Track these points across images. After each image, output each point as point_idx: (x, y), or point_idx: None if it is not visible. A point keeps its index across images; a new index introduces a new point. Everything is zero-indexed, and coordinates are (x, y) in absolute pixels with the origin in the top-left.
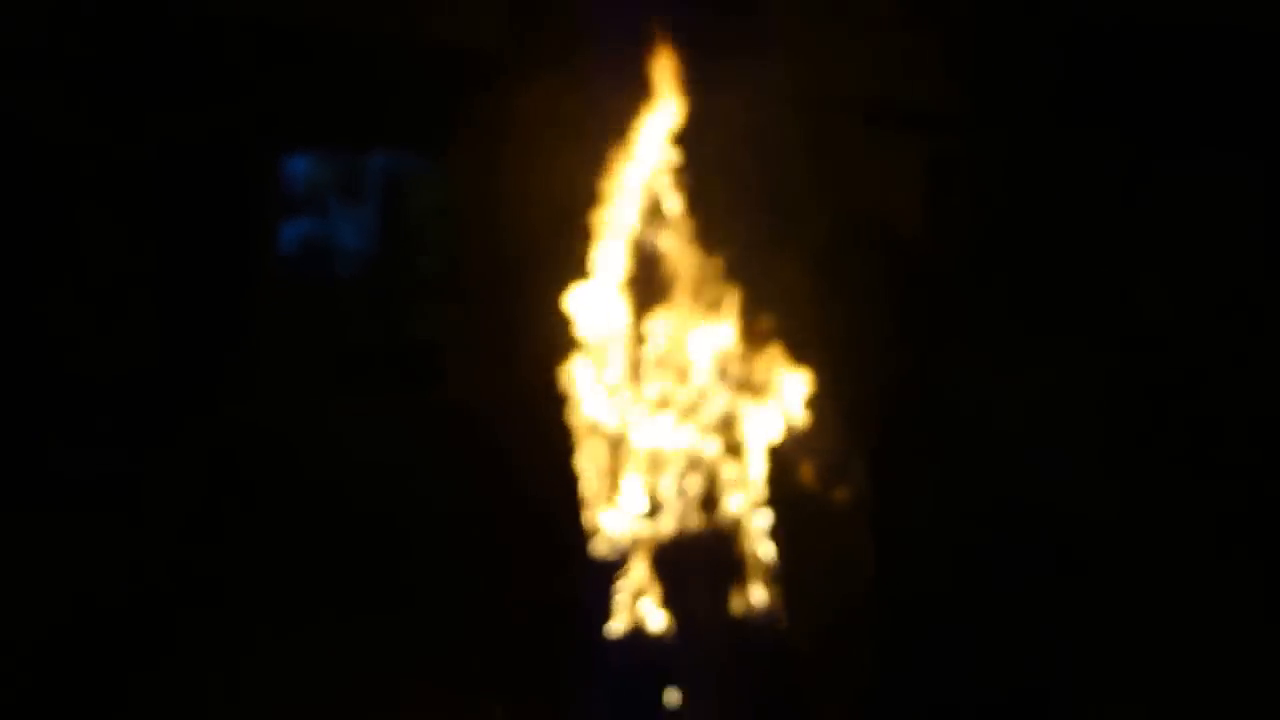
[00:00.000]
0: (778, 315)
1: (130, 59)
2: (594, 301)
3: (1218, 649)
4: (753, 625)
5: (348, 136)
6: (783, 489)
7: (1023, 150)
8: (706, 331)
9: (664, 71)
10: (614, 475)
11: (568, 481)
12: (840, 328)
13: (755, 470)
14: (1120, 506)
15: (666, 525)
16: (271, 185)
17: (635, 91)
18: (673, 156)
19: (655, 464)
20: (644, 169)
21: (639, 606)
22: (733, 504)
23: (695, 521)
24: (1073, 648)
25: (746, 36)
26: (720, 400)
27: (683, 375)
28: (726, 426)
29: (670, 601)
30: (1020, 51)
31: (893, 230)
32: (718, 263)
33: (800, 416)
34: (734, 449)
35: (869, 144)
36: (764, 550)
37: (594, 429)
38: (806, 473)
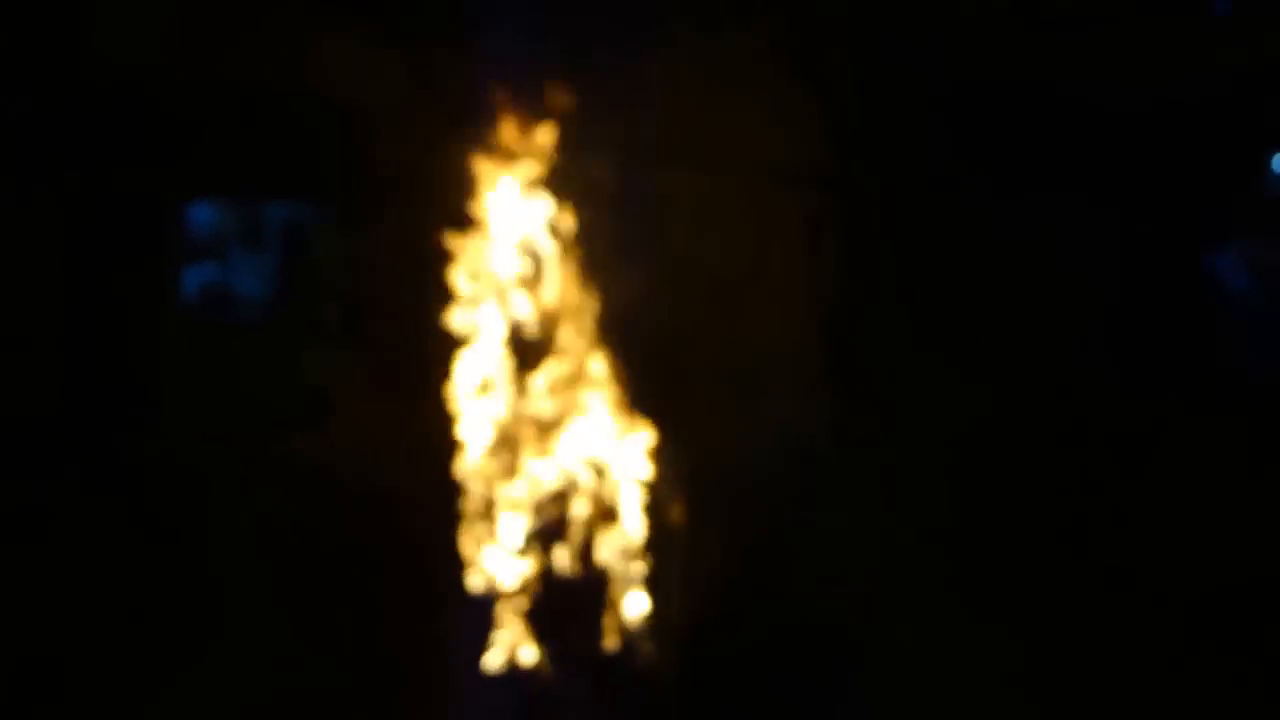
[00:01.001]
0: (650, 363)
1: (32, 108)
2: (478, 350)
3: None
4: (625, 663)
5: (249, 186)
6: (654, 529)
7: (897, 207)
8: (581, 379)
9: (547, 130)
10: (492, 514)
11: (448, 521)
12: (707, 376)
13: (628, 510)
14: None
15: (542, 564)
16: (174, 232)
17: (520, 148)
18: (557, 213)
19: (531, 504)
20: (528, 225)
21: (514, 643)
22: (606, 543)
23: (569, 560)
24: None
25: (627, 97)
26: (594, 443)
27: (559, 419)
28: (600, 469)
29: (545, 639)
30: (895, 111)
31: (765, 284)
32: (594, 315)
33: (668, 461)
34: (607, 490)
35: (745, 202)
36: (636, 589)
37: (474, 470)
38: (677, 514)
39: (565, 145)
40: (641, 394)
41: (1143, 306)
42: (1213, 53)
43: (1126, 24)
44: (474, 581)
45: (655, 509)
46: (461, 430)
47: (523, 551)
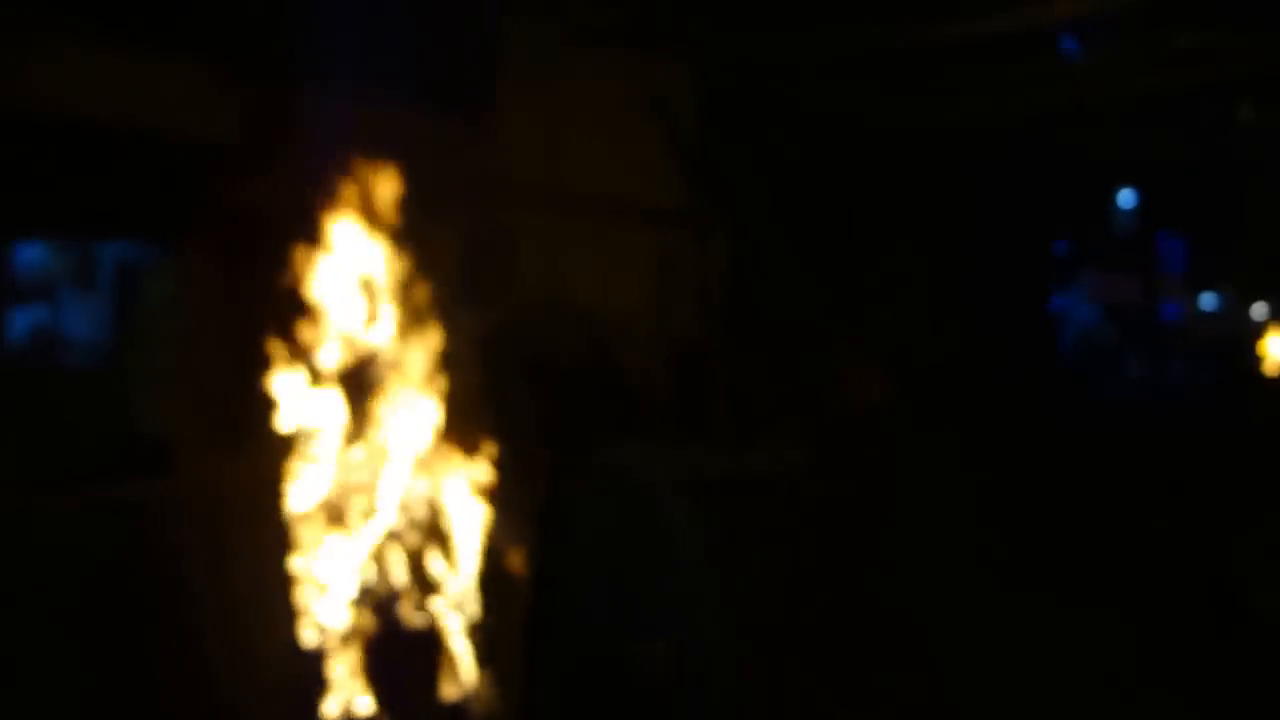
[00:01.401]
0: (484, 409)
1: None
2: (311, 394)
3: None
4: (459, 709)
5: (80, 226)
6: (487, 576)
7: (745, 242)
8: (415, 424)
9: (390, 170)
10: (326, 563)
11: (283, 569)
12: (548, 418)
13: (462, 557)
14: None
15: (376, 612)
16: (2, 272)
17: (358, 189)
18: (400, 253)
19: (365, 552)
20: (365, 264)
21: (349, 691)
22: (439, 591)
23: (403, 609)
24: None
25: (474, 137)
26: (428, 491)
27: (392, 466)
28: (434, 517)
29: (379, 686)
30: (742, 154)
31: (613, 318)
32: (428, 357)
33: (502, 504)
34: (440, 538)
35: (599, 238)
36: (469, 636)
37: (308, 517)
38: (512, 560)
39: (410, 185)
40: (484, 434)
41: (990, 333)
42: (1062, 93)
43: (979, 64)
44: (308, 631)
45: (493, 553)
46: (297, 475)
47: (358, 600)
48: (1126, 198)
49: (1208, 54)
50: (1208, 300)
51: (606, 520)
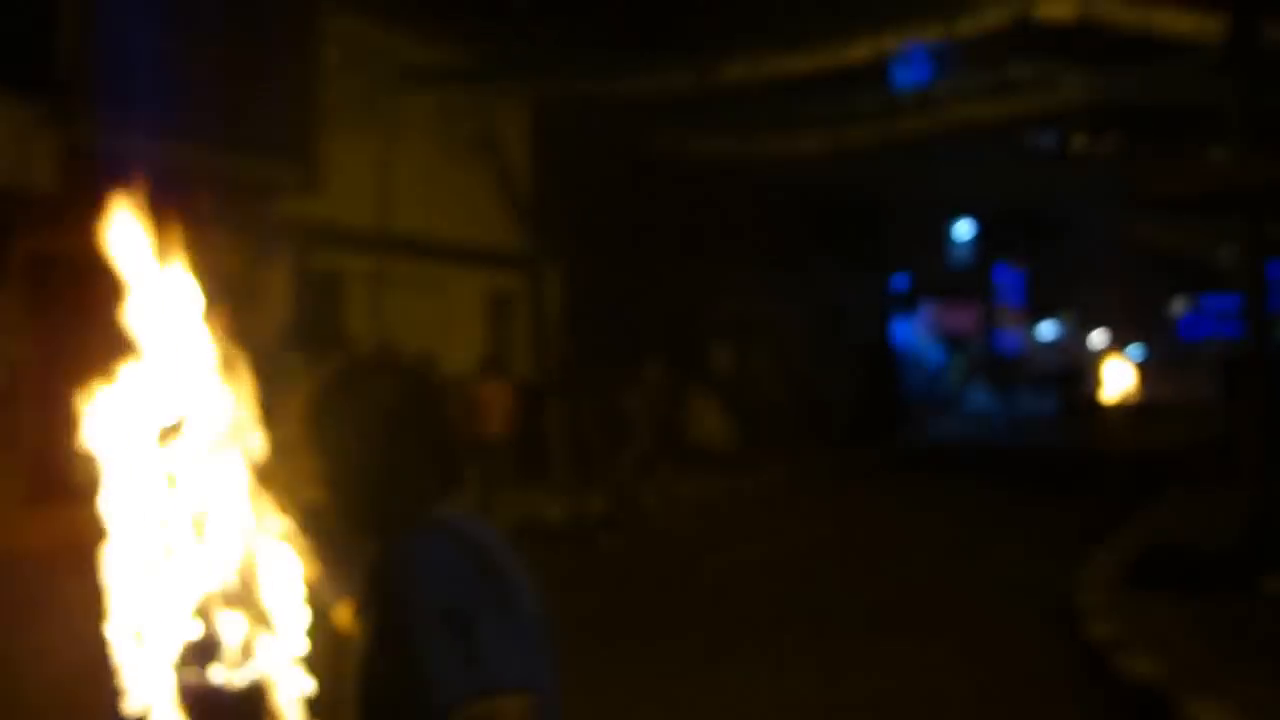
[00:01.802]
0: (302, 458)
1: None
2: (128, 447)
3: None
4: None
5: None
6: (316, 633)
7: (582, 283)
8: (237, 478)
9: (210, 215)
10: (146, 623)
11: (99, 630)
12: (383, 472)
13: (286, 616)
14: None
15: (199, 674)
16: None
17: (177, 235)
18: (215, 300)
19: (185, 614)
20: (185, 312)
21: None
22: (264, 651)
23: (228, 669)
24: None
25: (298, 181)
26: (250, 548)
27: (213, 520)
28: (255, 574)
29: None
30: (578, 194)
31: (452, 364)
32: (245, 408)
33: (327, 560)
34: (263, 597)
35: (429, 282)
36: (297, 696)
37: (125, 577)
38: (340, 618)
39: (232, 230)
40: (308, 489)
41: (831, 367)
42: (895, 125)
43: (813, 100)
44: (127, 693)
45: (319, 610)
46: (112, 533)
47: (179, 664)
48: (964, 229)
49: (1042, 86)
50: (1047, 329)
51: (444, 575)
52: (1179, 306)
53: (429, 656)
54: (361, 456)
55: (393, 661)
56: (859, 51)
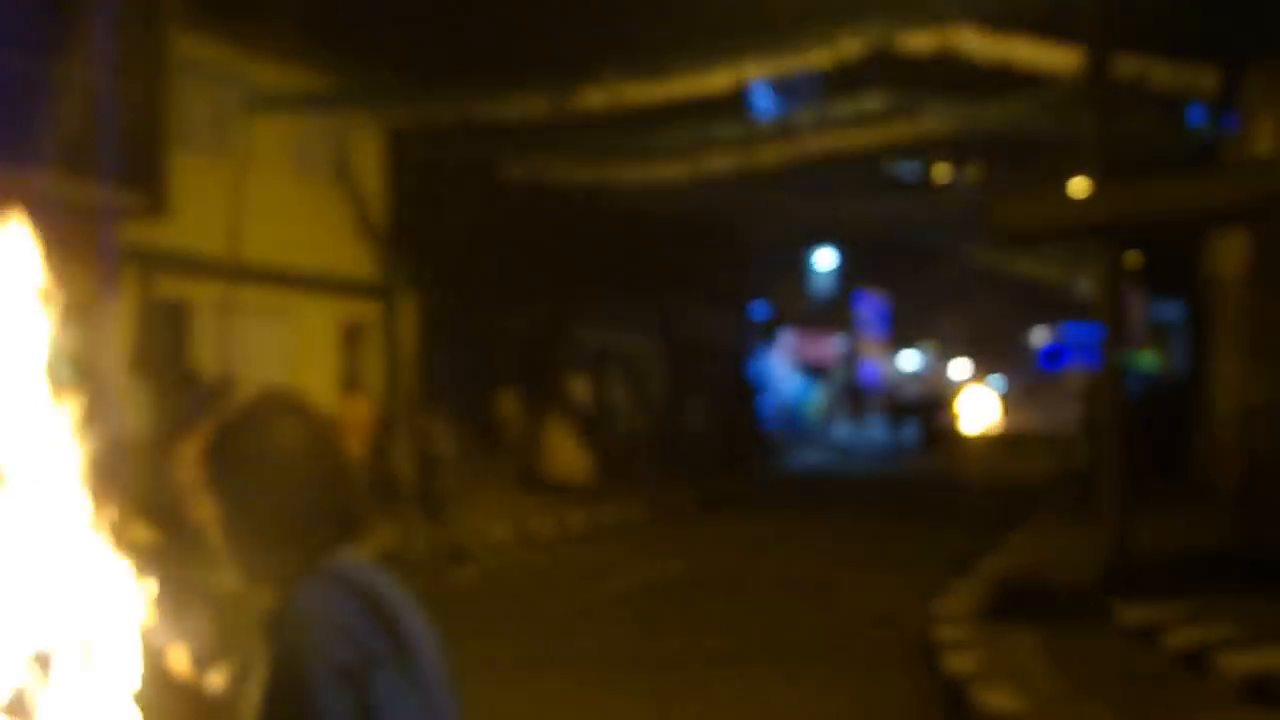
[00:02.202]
0: (199, 502)
1: None
2: None
3: None
4: None
5: None
6: (148, 678)
7: (438, 313)
8: (63, 518)
9: (46, 241)
10: None
11: None
12: (269, 513)
13: (119, 661)
14: None
15: None
16: None
17: (13, 266)
18: (55, 330)
19: (17, 665)
20: (21, 343)
21: None
22: (94, 697)
23: (59, 715)
24: None
25: (144, 207)
26: (80, 590)
27: (47, 562)
28: (85, 618)
29: None
30: (435, 222)
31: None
32: (95, 444)
33: (163, 601)
34: (102, 646)
35: (281, 311)
36: None
37: None
38: (175, 662)
39: (71, 257)
40: (138, 529)
41: (691, 400)
42: (755, 154)
43: (671, 128)
44: None
45: (152, 660)
46: None
47: (7, 712)
48: (825, 259)
49: (902, 116)
50: (908, 359)
51: (337, 627)
52: (1040, 336)
53: (322, 712)
54: (260, 503)
55: (286, 717)
56: (719, 80)
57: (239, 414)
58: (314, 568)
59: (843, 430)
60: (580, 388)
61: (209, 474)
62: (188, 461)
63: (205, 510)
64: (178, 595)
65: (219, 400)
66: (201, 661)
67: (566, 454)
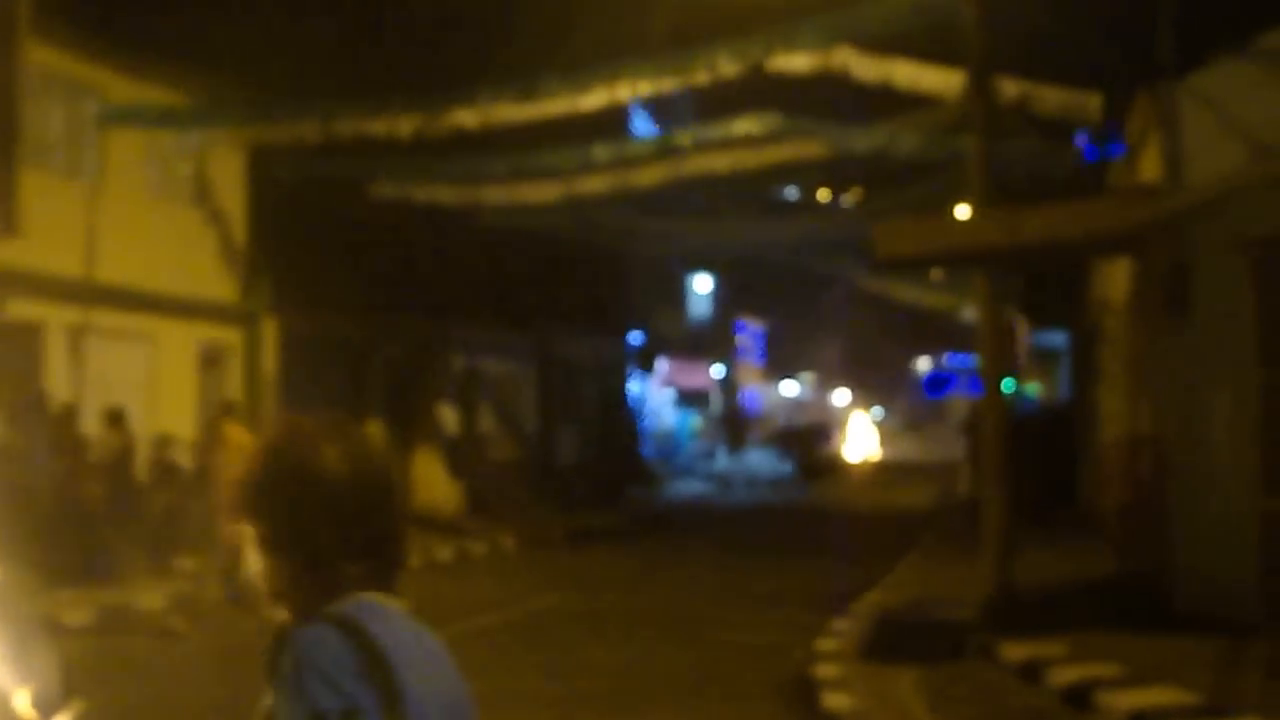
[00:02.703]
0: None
1: None
2: None
3: None
4: None
5: None
6: None
7: (295, 336)
8: None
9: None
10: None
11: None
12: (302, 541)
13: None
14: None
15: None
16: None
17: None
18: None
19: None
20: None
21: None
22: None
23: None
24: None
25: None
26: None
27: None
28: None
29: None
30: (292, 251)
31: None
32: None
33: (7, 644)
34: None
35: (137, 335)
36: None
37: None
38: (20, 707)
39: None
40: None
41: (559, 421)
42: (630, 176)
43: (549, 151)
44: None
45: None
46: None
47: None
48: (703, 284)
49: (782, 138)
50: (788, 387)
51: (321, 672)
52: (923, 364)
53: None
54: (294, 525)
55: None
56: (593, 100)
57: (288, 433)
58: (331, 602)
59: (722, 460)
60: (449, 416)
61: (252, 491)
62: (226, 480)
63: (252, 527)
64: (22, 635)
65: (60, 430)
66: (45, 705)
67: (434, 485)
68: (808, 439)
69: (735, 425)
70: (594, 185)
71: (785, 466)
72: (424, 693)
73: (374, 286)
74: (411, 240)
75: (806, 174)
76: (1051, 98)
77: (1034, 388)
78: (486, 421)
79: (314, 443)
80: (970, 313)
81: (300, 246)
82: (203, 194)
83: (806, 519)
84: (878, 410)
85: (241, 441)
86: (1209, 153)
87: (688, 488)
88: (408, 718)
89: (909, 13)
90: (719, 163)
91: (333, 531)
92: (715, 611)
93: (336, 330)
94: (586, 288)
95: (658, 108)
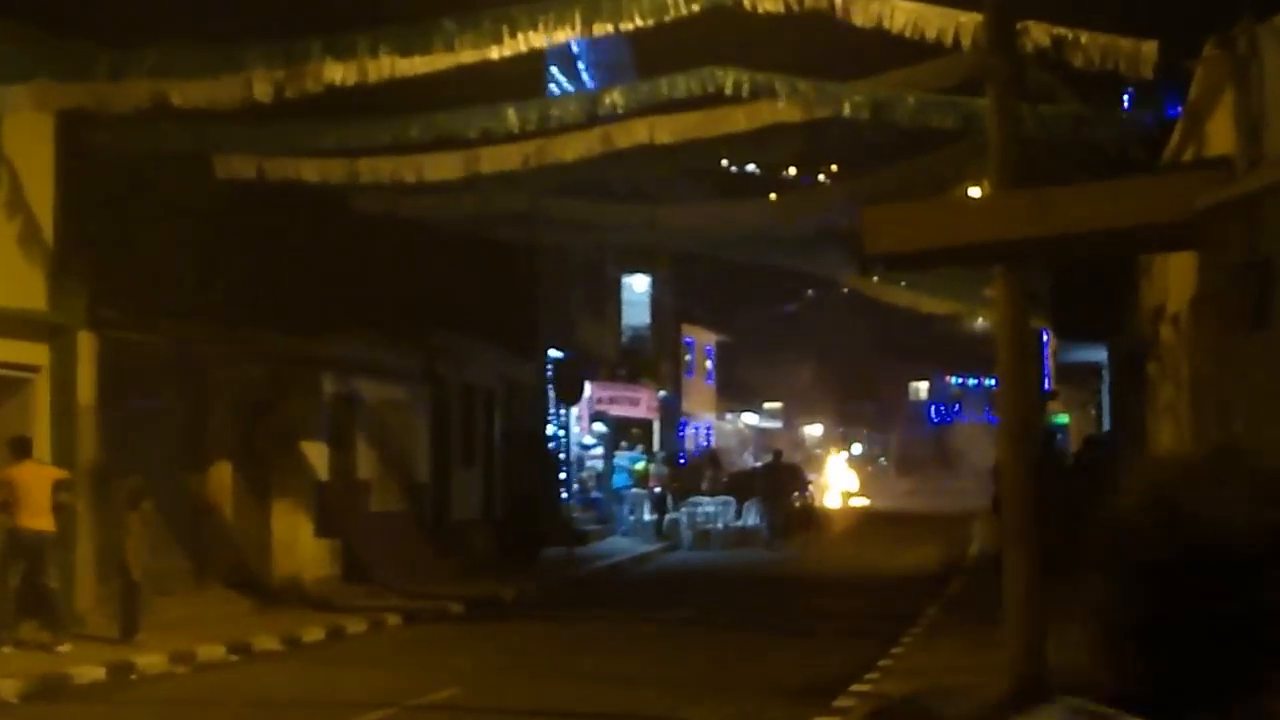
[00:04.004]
0: None
1: None
2: None
3: None
4: None
5: None
6: None
7: (119, 357)
8: None
9: None
10: None
11: None
12: None
13: None
14: None
15: None
16: None
17: None
18: None
19: None
20: None
21: None
22: None
23: None
24: None
25: None
26: None
27: None
28: None
29: None
30: (116, 252)
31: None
32: None
33: None
34: None
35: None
36: None
37: None
38: None
39: None
40: None
41: (459, 462)
42: (550, 149)
43: (441, 115)
44: None
45: None
46: None
47: None
48: (640, 290)
49: (746, 97)
50: (748, 418)
51: None
52: (922, 388)
53: None
54: None
55: None
56: (501, 51)
57: None
58: None
59: (665, 507)
60: (318, 456)
61: None
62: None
63: None
64: None
65: None
66: None
67: (297, 545)
68: (776, 485)
69: (681, 467)
70: (503, 159)
71: (748, 519)
72: None
73: (222, 292)
74: (271, 234)
75: (774, 148)
76: (1093, 46)
77: (1063, 418)
78: (365, 463)
79: None
80: (984, 322)
81: (126, 241)
82: (12, 192)
83: (781, 585)
84: (868, 445)
85: (40, 488)
86: None
87: (624, 545)
88: None
89: None
90: (661, 130)
91: None
92: (655, 709)
93: (173, 348)
94: (493, 294)
95: (591, 66)
